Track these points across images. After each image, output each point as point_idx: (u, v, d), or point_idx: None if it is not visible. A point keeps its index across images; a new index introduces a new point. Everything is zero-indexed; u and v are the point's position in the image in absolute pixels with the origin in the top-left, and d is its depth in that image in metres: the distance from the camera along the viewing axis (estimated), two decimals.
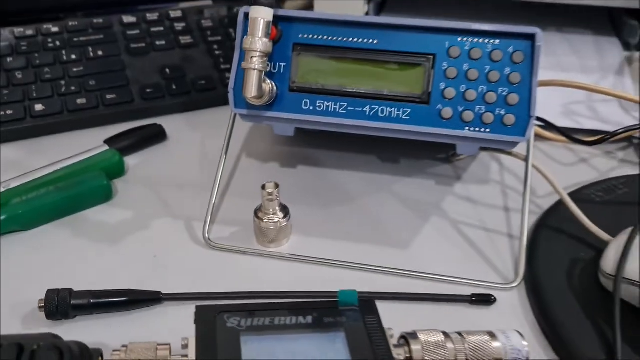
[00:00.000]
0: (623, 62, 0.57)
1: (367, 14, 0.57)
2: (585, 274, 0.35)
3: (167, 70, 0.53)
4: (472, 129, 0.36)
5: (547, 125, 0.47)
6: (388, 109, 0.36)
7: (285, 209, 0.38)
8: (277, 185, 0.37)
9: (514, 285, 0.36)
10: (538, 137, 0.47)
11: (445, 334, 0.29)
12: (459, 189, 0.44)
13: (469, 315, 0.35)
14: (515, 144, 0.36)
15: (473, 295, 0.35)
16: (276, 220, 0.38)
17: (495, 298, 0.35)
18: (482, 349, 0.29)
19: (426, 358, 0.28)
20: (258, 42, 0.34)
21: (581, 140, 0.44)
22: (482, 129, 0.35)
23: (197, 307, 0.28)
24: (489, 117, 0.35)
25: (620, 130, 0.43)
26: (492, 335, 0.29)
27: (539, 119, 0.47)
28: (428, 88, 0.36)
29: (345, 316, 0.28)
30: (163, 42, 0.55)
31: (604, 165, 0.46)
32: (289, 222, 0.38)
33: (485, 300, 0.35)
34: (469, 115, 0.35)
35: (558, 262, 0.36)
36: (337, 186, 0.44)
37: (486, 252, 0.39)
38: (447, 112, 0.36)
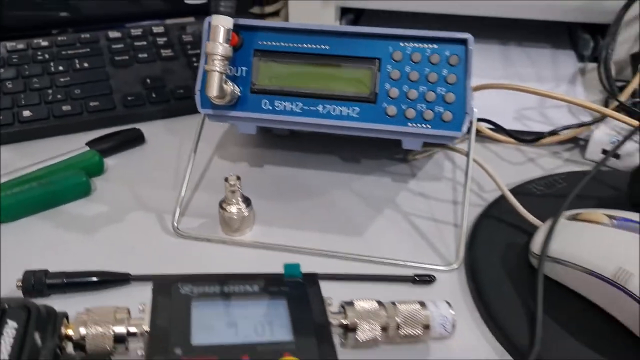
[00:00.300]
0: (576, 72, 0.60)
1: None
2: (519, 257, 0.39)
3: (148, 80, 0.57)
4: (414, 125, 0.39)
5: (497, 127, 0.50)
6: (339, 107, 0.40)
7: (247, 200, 0.42)
8: (238, 178, 0.40)
9: (454, 267, 0.39)
10: (488, 138, 0.51)
11: (380, 303, 0.32)
12: (413, 185, 0.47)
13: (412, 294, 0.38)
14: (453, 138, 0.39)
15: (416, 275, 0.38)
16: (238, 210, 0.41)
17: (434, 277, 0.38)
18: (412, 316, 0.32)
19: (361, 323, 0.31)
20: (219, 46, 0.37)
21: (522, 139, 0.48)
22: (423, 125, 0.39)
23: (154, 278, 0.31)
24: (429, 114, 0.39)
25: (559, 129, 0.47)
26: (422, 304, 0.32)
27: (489, 121, 0.51)
28: (375, 88, 0.39)
29: (289, 286, 0.31)
30: (145, 55, 0.59)
31: (549, 163, 0.50)
32: (251, 212, 0.42)
33: (425, 280, 0.38)
34: (411, 113, 0.39)
35: (495, 246, 0.40)
36: (301, 183, 0.48)
37: (433, 240, 0.42)
38: (392, 110, 0.39)
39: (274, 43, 0.40)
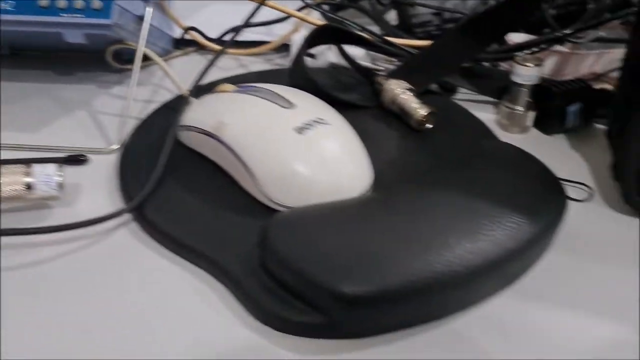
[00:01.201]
0: None
1: None
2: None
3: None
4: (67, 15, 0.41)
5: (208, 38, 0.53)
6: None
7: None
8: None
9: (114, 148, 0.41)
10: (203, 48, 0.54)
11: None
12: (116, 90, 0.49)
13: (67, 176, 0.39)
14: (108, 26, 0.41)
15: (69, 156, 0.40)
16: None
17: (86, 157, 0.40)
18: (13, 176, 0.33)
19: None
20: None
21: (212, 39, 0.51)
22: (77, 15, 0.41)
23: None
24: (79, 4, 0.40)
25: (255, 24, 0.51)
26: (28, 166, 0.34)
27: (200, 32, 0.53)
28: None
29: None
30: None
31: (260, 68, 0.53)
32: None
33: (76, 160, 0.39)
34: (63, 3, 0.40)
35: (158, 129, 0.41)
36: (5, 95, 0.48)
37: (109, 132, 0.44)
38: (45, 2, 0.40)
39: None
